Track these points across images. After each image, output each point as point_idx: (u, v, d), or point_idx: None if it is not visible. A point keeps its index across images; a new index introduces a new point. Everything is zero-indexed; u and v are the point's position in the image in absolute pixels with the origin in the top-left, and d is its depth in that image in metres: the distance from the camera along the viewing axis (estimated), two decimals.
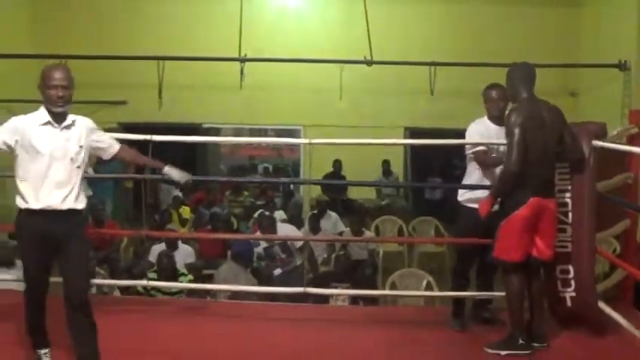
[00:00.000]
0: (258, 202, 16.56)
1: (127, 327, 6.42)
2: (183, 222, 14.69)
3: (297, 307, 7.91)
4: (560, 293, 6.71)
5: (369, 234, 13.55)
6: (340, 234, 13.45)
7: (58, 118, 5.46)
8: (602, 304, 6.72)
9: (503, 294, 6.51)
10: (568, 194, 6.67)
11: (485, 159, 6.88)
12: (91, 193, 14.04)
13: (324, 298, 9.05)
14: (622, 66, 14.63)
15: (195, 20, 17.41)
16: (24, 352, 5.93)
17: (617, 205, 7.38)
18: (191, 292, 9.42)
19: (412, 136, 17.10)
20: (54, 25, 17.53)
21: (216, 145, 19.74)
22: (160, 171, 6.33)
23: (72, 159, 5.46)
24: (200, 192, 17.15)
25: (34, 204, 5.38)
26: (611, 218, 7.31)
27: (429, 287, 9.48)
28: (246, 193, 18.02)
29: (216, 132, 18.11)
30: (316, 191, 17.48)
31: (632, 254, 7.45)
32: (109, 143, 5.91)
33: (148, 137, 7.36)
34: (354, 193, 17.55)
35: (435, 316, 7.43)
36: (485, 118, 7.01)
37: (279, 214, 14.38)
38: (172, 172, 6.25)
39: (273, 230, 11.83)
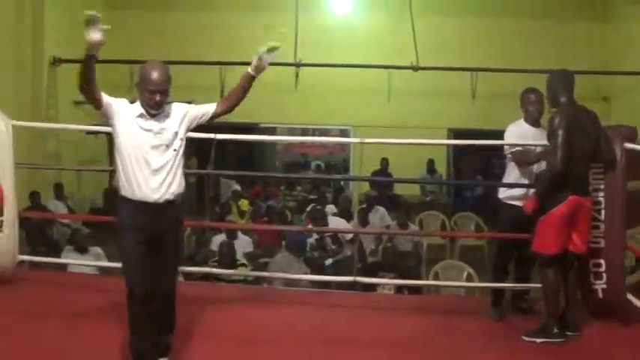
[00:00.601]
0: (311, 197, 16.64)
1: (189, 311, 6.49)
2: (241, 214, 14.79)
3: (346, 295, 7.92)
4: (593, 285, 6.67)
5: (413, 228, 13.57)
6: (387, 227, 13.48)
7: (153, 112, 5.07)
8: (629, 296, 6.70)
9: (539, 285, 6.50)
10: (601, 193, 6.63)
11: (522, 158, 6.88)
12: None
13: (372, 287, 9.07)
14: None
15: (254, 28, 17.50)
16: (104, 332, 6.01)
17: None
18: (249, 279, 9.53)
19: (455, 137, 17.12)
20: (128, 32, 17.76)
21: (272, 143, 19.77)
22: (251, 75, 5.53)
23: (167, 145, 5.06)
24: (257, 186, 17.27)
25: (131, 193, 5.03)
26: (639, 216, 7.28)
27: (469, 278, 9.49)
28: (299, 188, 18.11)
29: (272, 131, 18.17)
30: (365, 187, 17.54)
31: None
32: (205, 109, 5.39)
33: (211, 135, 7.42)
34: (400, 189, 17.57)
35: (475, 305, 7.41)
36: (522, 120, 6.98)
37: (330, 208, 14.44)
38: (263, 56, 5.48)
39: (325, 223, 11.87)
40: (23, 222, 8.68)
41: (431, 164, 17.83)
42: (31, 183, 13.27)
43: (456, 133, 17.27)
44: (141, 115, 5.02)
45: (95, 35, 4.80)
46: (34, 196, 13.51)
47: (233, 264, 9.82)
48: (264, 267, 10.70)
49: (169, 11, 18.00)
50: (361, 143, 7.80)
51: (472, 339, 6.37)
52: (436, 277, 9.69)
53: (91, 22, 4.78)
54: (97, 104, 4.98)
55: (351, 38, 18.00)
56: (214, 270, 9.20)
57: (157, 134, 5.02)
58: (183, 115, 5.21)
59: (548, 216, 6.10)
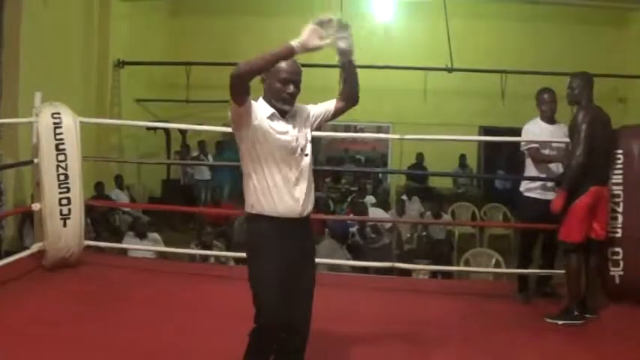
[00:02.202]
0: (352, 189, 16.70)
1: (238, 292, 6.64)
2: None
3: (385, 280, 8.00)
4: (611, 272, 6.74)
5: (446, 218, 13.61)
6: (422, 217, 13.54)
7: (282, 111, 4.19)
8: None
9: (562, 271, 6.57)
10: (620, 187, 6.71)
11: (538, 155, 7.02)
12: None
13: (408, 272, 9.14)
14: None
15: (300, 31, 17.62)
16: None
17: None
18: None
19: (485, 134, 17.10)
20: (186, 37, 18.09)
21: (317, 138, 19.93)
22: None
23: (302, 150, 4.19)
24: None
25: (272, 209, 4.12)
26: None
27: (497, 265, 9.51)
28: (343, 181, 18.17)
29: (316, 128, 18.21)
30: (402, 180, 17.60)
31: None
32: (326, 107, 4.52)
33: None
34: (434, 182, 17.65)
35: (502, 289, 7.46)
36: (538, 118, 7.09)
37: (369, 199, 14.50)
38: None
39: (365, 213, 11.94)
40: (89, 210, 8.88)
41: (462, 159, 17.95)
42: (96, 174, 13.50)
43: (486, 130, 17.25)
44: (272, 116, 4.16)
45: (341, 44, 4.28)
46: (98, 186, 13.73)
47: None
48: None
49: (223, 16, 18.17)
50: (401, 139, 7.89)
51: (500, 320, 6.45)
52: (467, 263, 9.73)
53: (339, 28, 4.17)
54: (243, 98, 4.00)
55: (391, 41, 18.07)
56: None
57: (292, 137, 4.18)
58: (307, 116, 4.40)
59: (573, 207, 6.20)
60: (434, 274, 9.75)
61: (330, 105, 4.54)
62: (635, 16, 17.18)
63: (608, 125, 6.44)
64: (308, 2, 17.85)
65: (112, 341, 5.43)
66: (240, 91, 3.94)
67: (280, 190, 4.10)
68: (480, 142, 18.43)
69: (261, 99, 4.23)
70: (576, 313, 6.27)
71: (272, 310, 4.10)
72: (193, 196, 17.05)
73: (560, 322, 6.26)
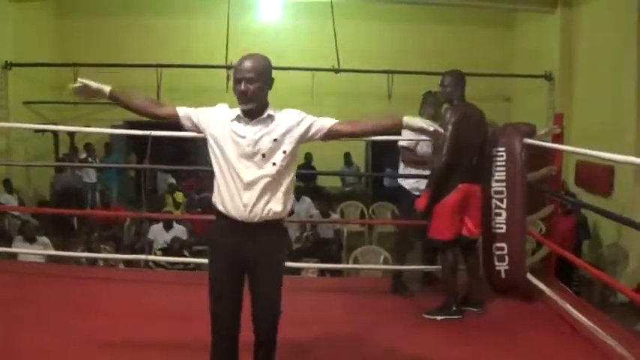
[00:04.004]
0: None
1: (128, 293, 6.45)
2: (177, 205, 14.67)
3: None
4: (496, 267, 6.79)
5: (335, 216, 13.61)
6: (310, 216, 13.50)
7: (249, 113, 4.12)
8: (530, 276, 6.81)
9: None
10: (503, 184, 6.75)
11: (409, 155, 7.21)
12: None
13: (297, 271, 9.09)
14: (548, 76, 15.24)
15: (190, 34, 17.50)
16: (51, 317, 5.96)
17: (543, 192, 7.52)
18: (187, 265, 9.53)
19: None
20: (74, 38, 17.78)
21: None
22: (401, 125, 4.34)
23: (263, 155, 4.06)
24: (191, 179, 17.21)
25: (222, 209, 4.13)
26: (538, 204, 7.44)
27: (385, 262, 9.53)
28: None
29: None
30: None
31: (555, 234, 7.57)
32: (320, 125, 4.31)
33: (147, 133, 7.37)
34: (323, 181, 17.68)
35: (390, 286, 7.46)
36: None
37: None
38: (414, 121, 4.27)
39: None
40: None
41: (347, 157, 18.28)
42: None
43: None
44: (237, 119, 4.13)
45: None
46: None
47: (179, 254, 9.80)
48: (199, 254, 10.64)
49: (110, 17, 17.97)
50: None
51: (387, 315, 6.47)
52: (356, 261, 9.75)
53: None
54: (180, 123, 4.27)
55: (279, 43, 17.98)
56: (151, 257, 9.17)
57: (251, 141, 4.08)
58: (290, 125, 4.22)
59: (441, 204, 6.27)
60: (322, 273, 9.73)
61: (325, 123, 4.35)
62: (521, 17, 17.67)
63: (480, 122, 6.47)
64: (192, 2, 17.82)
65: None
66: (172, 122, 4.31)
67: (230, 191, 4.09)
68: (366, 141, 18.58)
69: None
70: (454, 308, 6.35)
71: (216, 310, 4.24)
72: (82, 199, 16.71)
73: (438, 318, 6.31)
